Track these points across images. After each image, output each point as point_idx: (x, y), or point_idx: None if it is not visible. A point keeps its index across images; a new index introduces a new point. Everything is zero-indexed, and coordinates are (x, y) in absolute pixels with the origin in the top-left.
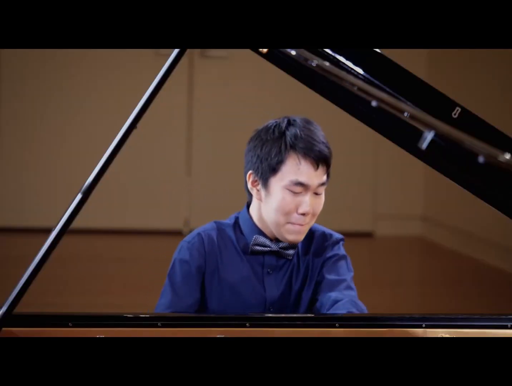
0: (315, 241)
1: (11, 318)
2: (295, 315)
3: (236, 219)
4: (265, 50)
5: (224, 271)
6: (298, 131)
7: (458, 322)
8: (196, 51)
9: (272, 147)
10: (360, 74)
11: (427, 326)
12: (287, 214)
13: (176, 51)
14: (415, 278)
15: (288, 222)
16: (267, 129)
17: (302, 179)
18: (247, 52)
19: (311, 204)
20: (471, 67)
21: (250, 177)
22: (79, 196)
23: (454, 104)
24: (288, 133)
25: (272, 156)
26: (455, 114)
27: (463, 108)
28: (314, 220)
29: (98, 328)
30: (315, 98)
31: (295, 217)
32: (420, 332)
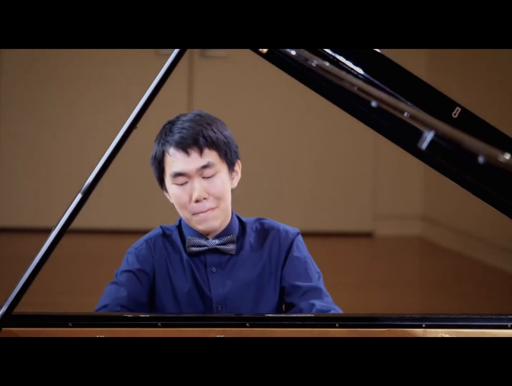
0: (270, 237)
1: (11, 318)
2: (295, 315)
3: (180, 220)
4: (265, 50)
5: (174, 276)
6: (169, 126)
7: (458, 322)
8: (196, 51)
9: (156, 150)
10: (360, 74)
11: (427, 326)
12: (184, 207)
13: (176, 51)
14: (415, 278)
15: (192, 214)
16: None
17: (177, 169)
18: (247, 52)
19: (202, 189)
20: (471, 67)
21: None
22: (79, 196)
23: (454, 104)
24: (162, 132)
25: (157, 158)
26: (455, 114)
27: (463, 108)
28: (224, 203)
29: (98, 328)
30: (315, 98)
31: (193, 207)
32: (420, 332)
